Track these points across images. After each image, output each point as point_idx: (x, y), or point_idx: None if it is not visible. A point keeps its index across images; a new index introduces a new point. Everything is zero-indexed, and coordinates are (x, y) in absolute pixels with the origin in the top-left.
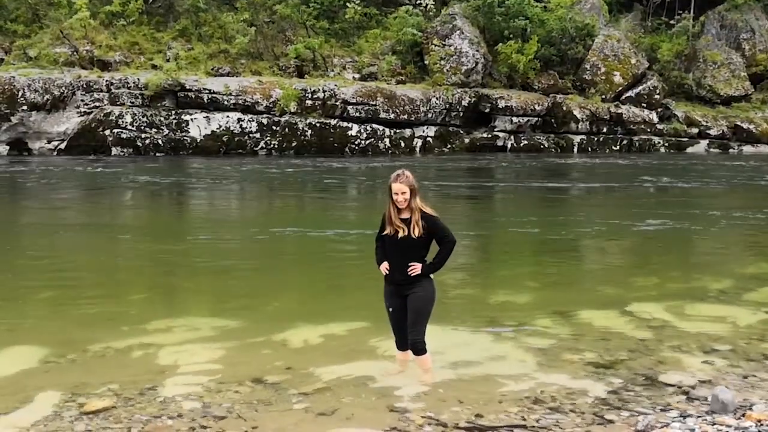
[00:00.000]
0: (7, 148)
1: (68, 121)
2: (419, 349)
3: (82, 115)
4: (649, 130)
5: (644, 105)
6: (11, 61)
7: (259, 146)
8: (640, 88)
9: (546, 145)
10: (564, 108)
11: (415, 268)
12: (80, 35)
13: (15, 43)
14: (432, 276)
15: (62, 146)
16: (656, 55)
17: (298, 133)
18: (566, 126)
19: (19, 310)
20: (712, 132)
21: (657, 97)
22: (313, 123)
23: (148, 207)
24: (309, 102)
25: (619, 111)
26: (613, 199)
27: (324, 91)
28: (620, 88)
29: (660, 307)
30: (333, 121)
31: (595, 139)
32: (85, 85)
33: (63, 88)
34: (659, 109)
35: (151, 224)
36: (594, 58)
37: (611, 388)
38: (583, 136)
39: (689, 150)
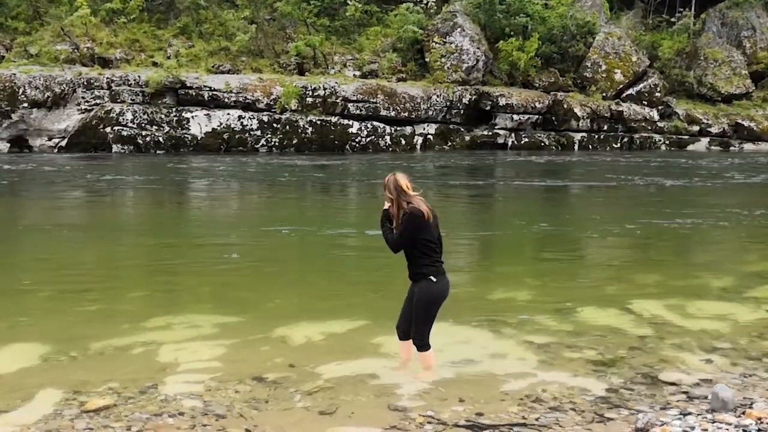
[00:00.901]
0: (8, 145)
1: (69, 119)
2: (418, 347)
3: (83, 113)
4: (649, 128)
5: (645, 103)
6: (12, 59)
7: (260, 144)
8: (641, 85)
9: (546, 143)
10: (565, 106)
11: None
12: (81, 32)
13: (16, 41)
14: (434, 278)
15: (63, 144)
16: (657, 53)
17: (299, 130)
18: (567, 124)
19: (19, 308)
20: (713, 130)
21: (658, 94)
22: (314, 120)
23: (148, 205)
24: (310, 99)
25: (620, 109)
26: (613, 197)
27: (325, 89)
28: (621, 86)
29: (661, 304)
30: (334, 119)
31: (596, 136)
32: (85, 83)
33: (64, 85)
34: (660, 107)
35: (151, 222)
36: (595, 55)
37: (611, 386)
38: (584, 134)
39: (690, 148)
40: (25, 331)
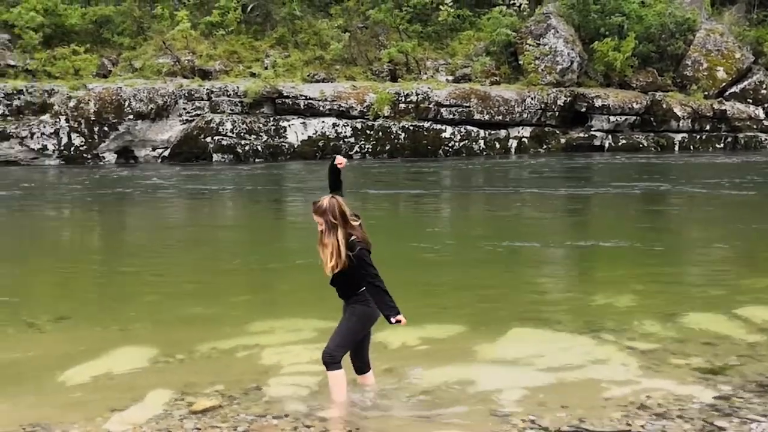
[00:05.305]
0: (115, 156)
1: (171, 129)
2: (324, 362)
3: (184, 123)
4: (755, 126)
5: (750, 101)
6: (118, 73)
7: (354, 150)
8: (746, 83)
9: (645, 144)
10: (664, 106)
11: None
12: (182, 46)
13: (121, 56)
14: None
15: (166, 153)
16: (763, 49)
17: (392, 136)
18: (666, 124)
19: (128, 313)
20: None
21: (764, 92)
22: (407, 126)
23: (246, 211)
24: (402, 105)
25: (723, 108)
26: (718, 201)
27: (417, 95)
28: (724, 84)
29: None
30: (426, 124)
31: (697, 137)
32: (186, 94)
33: (166, 97)
34: (766, 105)
35: (248, 227)
36: (695, 53)
37: (720, 394)
38: (685, 135)
39: None
40: (135, 335)
